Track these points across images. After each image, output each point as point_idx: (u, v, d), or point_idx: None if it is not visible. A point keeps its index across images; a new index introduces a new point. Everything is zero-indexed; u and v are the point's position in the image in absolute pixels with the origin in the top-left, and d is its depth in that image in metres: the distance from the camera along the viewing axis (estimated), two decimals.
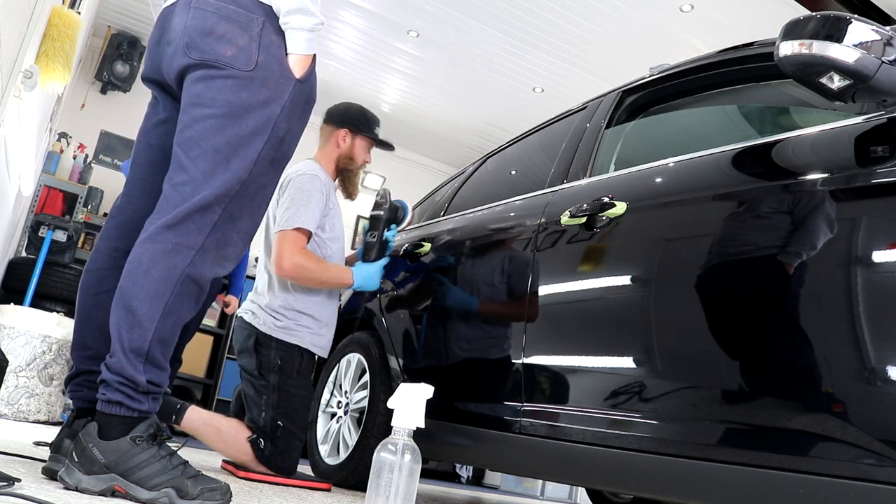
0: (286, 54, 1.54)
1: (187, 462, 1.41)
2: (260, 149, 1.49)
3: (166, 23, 1.57)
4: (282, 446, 2.37)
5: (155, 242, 1.41)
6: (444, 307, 2.40)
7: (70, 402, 3.38)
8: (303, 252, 2.43)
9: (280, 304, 2.50)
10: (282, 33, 1.55)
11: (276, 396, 2.42)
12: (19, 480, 1.25)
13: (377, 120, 2.77)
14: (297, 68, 1.54)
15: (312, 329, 2.52)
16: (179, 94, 1.54)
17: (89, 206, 5.70)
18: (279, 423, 2.38)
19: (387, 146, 2.79)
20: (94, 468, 1.33)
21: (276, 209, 2.53)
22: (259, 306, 2.57)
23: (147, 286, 1.39)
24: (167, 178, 1.48)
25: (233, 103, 1.47)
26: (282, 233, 2.44)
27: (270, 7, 1.54)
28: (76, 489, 1.33)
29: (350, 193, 2.75)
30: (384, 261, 2.62)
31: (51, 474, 1.44)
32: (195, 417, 2.35)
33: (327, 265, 2.50)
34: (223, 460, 2.55)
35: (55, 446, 1.47)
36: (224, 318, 6.06)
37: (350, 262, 2.79)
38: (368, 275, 2.57)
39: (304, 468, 2.76)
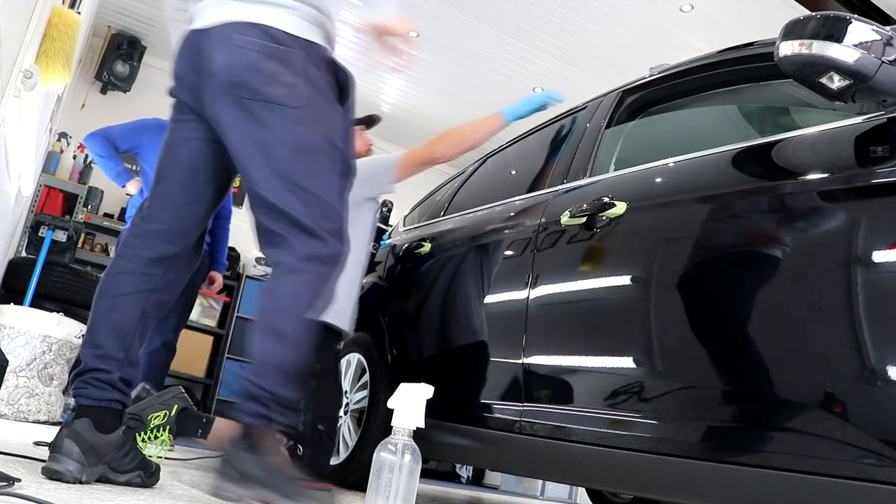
0: (326, 85, 1.61)
1: (311, 475, 1.55)
2: (335, 178, 1.59)
3: (198, 50, 1.58)
4: (323, 450, 2.35)
5: (300, 273, 1.51)
6: (444, 307, 2.40)
7: (71, 400, 3.39)
8: (430, 143, 2.45)
9: None
10: (321, 64, 1.61)
11: (315, 401, 2.40)
12: (19, 480, 1.25)
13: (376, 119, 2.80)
14: (401, 26, 1.71)
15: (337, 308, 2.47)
16: (216, 124, 1.58)
17: (89, 206, 5.70)
18: (319, 427, 2.36)
19: (372, 121, 2.80)
20: (252, 483, 1.40)
21: None
22: None
23: (297, 312, 1.49)
24: (267, 217, 1.54)
25: (297, 141, 1.54)
26: (402, 161, 2.44)
27: (307, 40, 1.59)
28: (235, 501, 1.42)
29: None
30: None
31: (51, 474, 1.45)
32: (224, 428, 2.32)
33: (466, 126, 2.46)
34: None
35: (55, 445, 1.48)
36: (224, 318, 6.07)
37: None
38: (519, 104, 2.49)
39: None
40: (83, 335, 1.61)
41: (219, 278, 3.76)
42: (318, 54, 1.60)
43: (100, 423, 1.49)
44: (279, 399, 1.47)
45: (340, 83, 1.67)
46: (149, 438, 2.20)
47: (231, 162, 1.63)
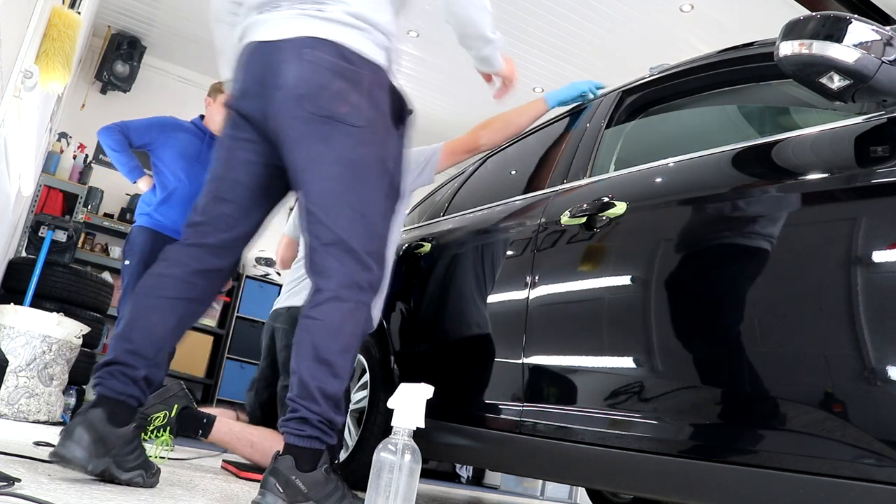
0: (388, 108, 1.66)
1: (349, 489, 1.61)
2: (384, 201, 1.64)
3: (266, 62, 1.60)
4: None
5: (342, 301, 1.55)
6: (444, 307, 2.40)
7: (71, 400, 3.39)
8: (474, 131, 2.51)
9: None
10: (384, 88, 1.64)
11: None
12: (19, 480, 1.25)
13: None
14: (507, 70, 2.12)
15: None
16: (277, 137, 1.61)
17: (89, 206, 5.70)
18: None
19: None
20: (298, 498, 1.47)
21: None
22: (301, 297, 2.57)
23: (341, 342, 1.54)
24: (313, 234, 1.59)
25: (354, 161, 1.58)
26: (444, 150, 2.48)
27: (374, 63, 1.62)
28: None
29: None
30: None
31: (59, 459, 1.46)
32: (225, 430, 2.33)
33: (510, 112, 2.50)
34: (224, 461, 2.55)
35: (67, 432, 1.49)
36: (224, 318, 6.07)
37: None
38: (563, 90, 2.50)
39: None
40: (119, 326, 1.63)
41: None
42: (382, 77, 1.64)
43: (114, 416, 1.52)
44: (330, 423, 1.53)
45: (398, 108, 1.70)
46: (149, 438, 2.20)
47: (284, 182, 1.67)
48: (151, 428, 2.26)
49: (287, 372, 2.52)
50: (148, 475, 1.60)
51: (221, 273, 1.71)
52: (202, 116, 3.68)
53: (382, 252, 1.63)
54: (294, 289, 2.71)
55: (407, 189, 2.43)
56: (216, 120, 3.55)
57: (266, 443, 2.36)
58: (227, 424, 2.34)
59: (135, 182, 3.59)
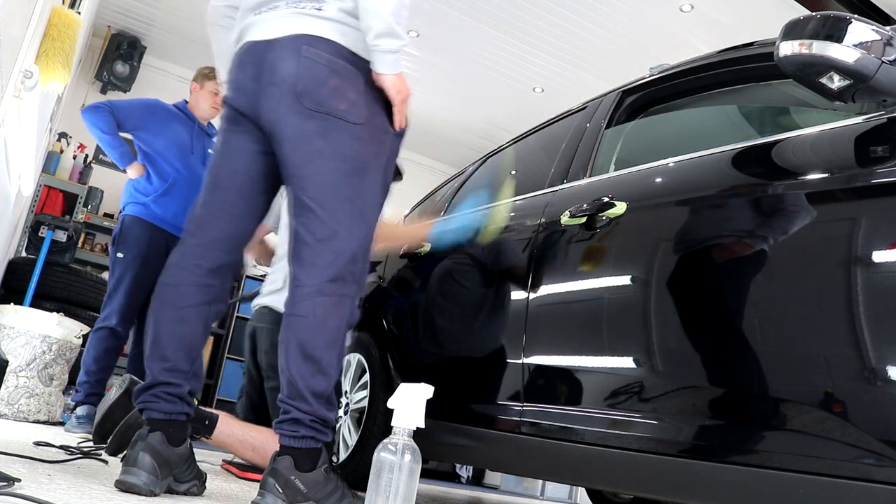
0: (383, 106, 1.64)
1: (348, 487, 1.61)
2: (378, 197, 1.65)
3: (261, 60, 1.60)
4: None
5: (325, 296, 1.54)
6: (445, 307, 2.40)
7: (70, 399, 3.38)
8: None
9: None
10: (379, 88, 1.64)
11: None
12: (19, 480, 1.25)
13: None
14: (396, 87, 1.63)
15: None
16: (272, 132, 1.60)
17: (89, 206, 5.70)
18: None
19: (397, 176, 2.86)
20: (298, 498, 1.48)
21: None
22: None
23: (326, 337, 1.54)
24: (307, 229, 1.57)
25: (352, 156, 1.58)
26: None
27: (368, 63, 1.62)
28: None
29: None
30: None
31: (127, 487, 1.47)
32: (227, 432, 2.32)
33: (392, 227, 2.46)
34: (223, 461, 2.55)
35: (130, 459, 1.49)
36: (224, 319, 6.06)
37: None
38: (451, 228, 2.49)
39: None
40: (148, 347, 1.62)
41: None
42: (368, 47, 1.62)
43: (171, 437, 1.54)
44: (322, 421, 1.54)
45: (391, 107, 1.70)
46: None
47: (282, 173, 1.66)
48: None
49: (274, 373, 2.54)
50: (200, 483, 1.65)
51: (232, 267, 1.71)
52: (186, 102, 3.54)
53: (370, 247, 1.64)
54: (282, 288, 2.72)
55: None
56: (202, 107, 3.48)
57: (268, 447, 2.34)
58: (229, 426, 2.34)
59: (124, 168, 3.40)
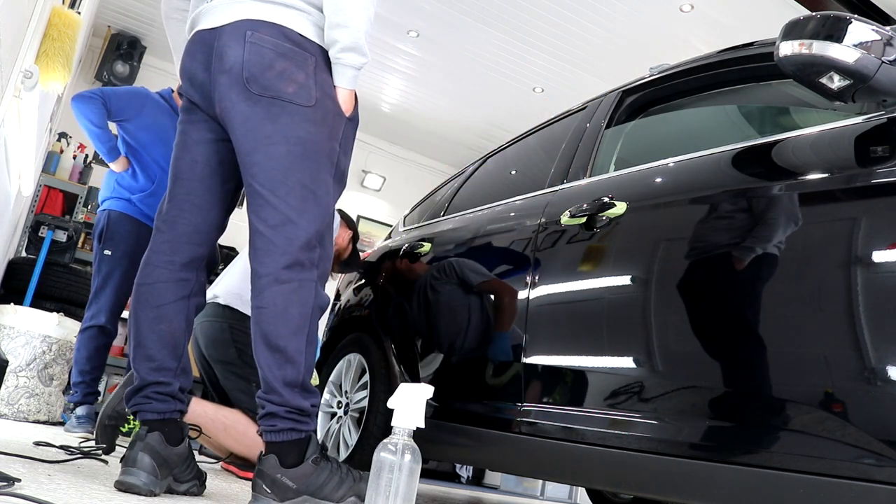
0: (335, 89, 1.61)
1: (350, 468, 1.58)
2: (331, 181, 1.60)
3: (210, 48, 1.58)
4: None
5: (282, 283, 1.51)
6: (445, 307, 2.40)
7: (69, 399, 3.38)
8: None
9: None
10: (331, 71, 1.61)
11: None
12: (19, 480, 1.25)
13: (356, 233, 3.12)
14: (346, 103, 1.62)
15: None
16: (224, 120, 1.58)
17: (89, 206, 5.70)
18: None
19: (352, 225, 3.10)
20: (289, 495, 1.46)
21: None
22: (231, 294, 2.58)
23: (289, 324, 1.50)
24: (259, 217, 1.54)
25: (303, 139, 1.54)
26: None
27: (320, 46, 1.60)
28: None
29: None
30: None
31: (127, 487, 1.47)
32: (200, 412, 2.31)
33: (247, 427, 2.42)
34: (224, 461, 2.55)
35: (129, 459, 1.50)
36: None
37: None
38: None
39: None
40: (133, 349, 1.62)
41: None
42: (327, 59, 1.62)
43: (168, 436, 1.55)
44: (298, 410, 1.51)
45: None
46: (130, 428, 2.19)
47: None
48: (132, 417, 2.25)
49: (224, 365, 2.53)
50: (200, 483, 1.64)
51: (205, 259, 1.70)
52: (172, 90, 3.41)
53: (325, 231, 1.60)
54: (223, 278, 2.73)
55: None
56: None
57: (239, 426, 2.33)
58: (201, 405, 2.32)
59: (111, 162, 3.30)
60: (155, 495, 1.48)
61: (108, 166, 3.38)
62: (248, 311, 2.41)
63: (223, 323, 2.56)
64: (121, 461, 1.51)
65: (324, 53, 1.61)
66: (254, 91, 1.52)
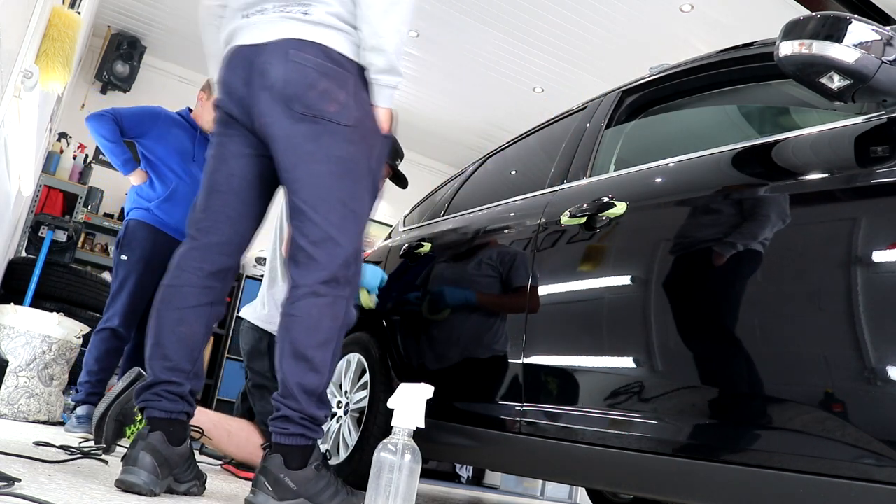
0: (373, 108, 1.66)
1: (344, 483, 1.63)
2: (368, 199, 1.65)
3: (251, 64, 1.61)
4: None
5: (319, 297, 1.56)
6: (445, 307, 2.40)
7: (69, 399, 3.38)
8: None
9: None
10: (368, 89, 1.66)
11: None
12: (19, 480, 1.25)
13: (402, 152, 2.94)
14: (385, 121, 1.68)
15: None
16: (265, 135, 1.62)
17: (89, 206, 5.70)
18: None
19: (402, 181, 2.91)
20: (288, 495, 1.49)
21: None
22: (267, 307, 2.59)
23: (319, 336, 1.55)
24: (301, 233, 1.59)
25: (343, 158, 1.59)
26: None
27: (358, 65, 1.64)
28: None
29: None
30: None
31: (127, 486, 1.47)
32: (203, 420, 2.33)
33: (250, 434, 2.46)
34: (223, 461, 2.55)
35: (130, 458, 1.50)
36: (224, 319, 6.06)
37: None
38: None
39: None
40: (150, 347, 1.64)
41: None
42: (364, 77, 1.65)
43: (171, 436, 1.55)
44: (311, 419, 1.54)
45: None
46: (133, 432, 2.19)
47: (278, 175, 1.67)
48: (139, 419, 2.25)
49: (252, 373, 2.58)
50: (200, 484, 1.65)
51: (232, 270, 1.74)
52: (190, 109, 3.59)
53: (360, 249, 1.66)
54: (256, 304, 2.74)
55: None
56: (206, 118, 3.50)
57: (242, 433, 2.36)
58: (204, 413, 2.34)
59: (127, 175, 3.44)
60: (155, 495, 1.48)
61: (115, 169, 3.51)
62: (274, 328, 2.44)
63: (263, 335, 2.59)
64: (122, 460, 1.51)
65: (361, 71, 1.65)
66: (296, 110, 1.56)
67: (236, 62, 1.65)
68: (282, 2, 1.63)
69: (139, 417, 2.23)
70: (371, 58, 1.63)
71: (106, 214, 5.87)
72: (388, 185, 2.55)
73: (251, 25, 1.64)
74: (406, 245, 2.76)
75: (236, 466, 2.41)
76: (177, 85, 6.41)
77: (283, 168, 1.61)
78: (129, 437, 2.08)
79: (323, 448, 2.70)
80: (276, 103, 1.57)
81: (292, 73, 1.56)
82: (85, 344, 3.44)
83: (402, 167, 2.98)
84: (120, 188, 5.78)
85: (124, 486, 1.47)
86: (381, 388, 2.50)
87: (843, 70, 1.29)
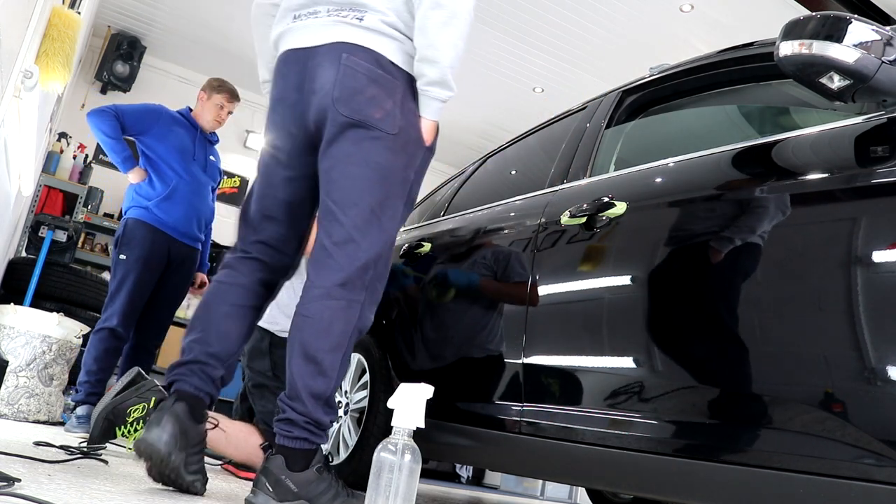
0: (418, 119, 1.67)
1: (344, 485, 1.64)
2: (401, 209, 1.66)
3: (303, 67, 1.63)
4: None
5: (332, 299, 1.56)
6: (444, 307, 2.40)
7: (70, 399, 3.37)
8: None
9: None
10: (416, 100, 1.66)
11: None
12: (19, 480, 1.25)
13: None
14: (429, 133, 1.69)
15: None
16: (313, 141, 1.64)
17: (89, 206, 5.71)
18: None
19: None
20: (288, 497, 1.50)
21: None
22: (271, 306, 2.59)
23: (330, 340, 1.55)
24: (326, 232, 1.60)
25: (381, 165, 1.59)
26: None
27: (409, 74, 1.65)
28: None
29: None
30: None
31: (146, 445, 1.50)
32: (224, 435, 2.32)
33: (249, 436, 2.45)
34: (223, 461, 2.55)
35: (153, 421, 1.53)
36: None
37: None
38: None
39: None
40: (188, 329, 1.69)
41: (204, 279, 3.74)
42: (414, 88, 1.66)
43: (193, 412, 1.58)
44: (317, 423, 1.55)
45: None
46: (129, 432, 2.19)
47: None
48: (131, 420, 2.25)
49: (252, 373, 2.57)
50: (203, 481, 1.65)
51: (279, 285, 1.81)
52: (190, 109, 3.57)
53: (388, 256, 1.65)
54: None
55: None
56: (206, 118, 3.52)
57: (241, 435, 2.35)
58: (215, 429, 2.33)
59: (126, 172, 3.41)
60: (168, 461, 1.49)
61: (115, 169, 3.48)
62: (284, 334, 2.44)
63: (264, 334, 2.58)
64: (142, 426, 1.54)
65: (411, 81, 1.65)
66: (343, 112, 1.57)
67: (288, 68, 1.66)
68: (336, 6, 1.63)
69: (130, 419, 2.23)
70: (424, 69, 1.63)
71: (106, 214, 5.87)
72: None
73: (303, 28, 1.65)
74: (406, 245, 2.76)
75: (236, 466, 2.41)
76: (177, 85, 6.41)
77: (322, 168, 1.63)
78: (123, 436, 2.08)
79: (324, 448, 2.70)
80: (324, 104, 1.59)
81: (342, 77, 1.57)
82: (84, 344, 3.44)
83: None
84: (120, 188, 5.78)
85: (144, 445, 1.49)
86: (381, 388, 2.50)
87: (843, 70, 1.29)
